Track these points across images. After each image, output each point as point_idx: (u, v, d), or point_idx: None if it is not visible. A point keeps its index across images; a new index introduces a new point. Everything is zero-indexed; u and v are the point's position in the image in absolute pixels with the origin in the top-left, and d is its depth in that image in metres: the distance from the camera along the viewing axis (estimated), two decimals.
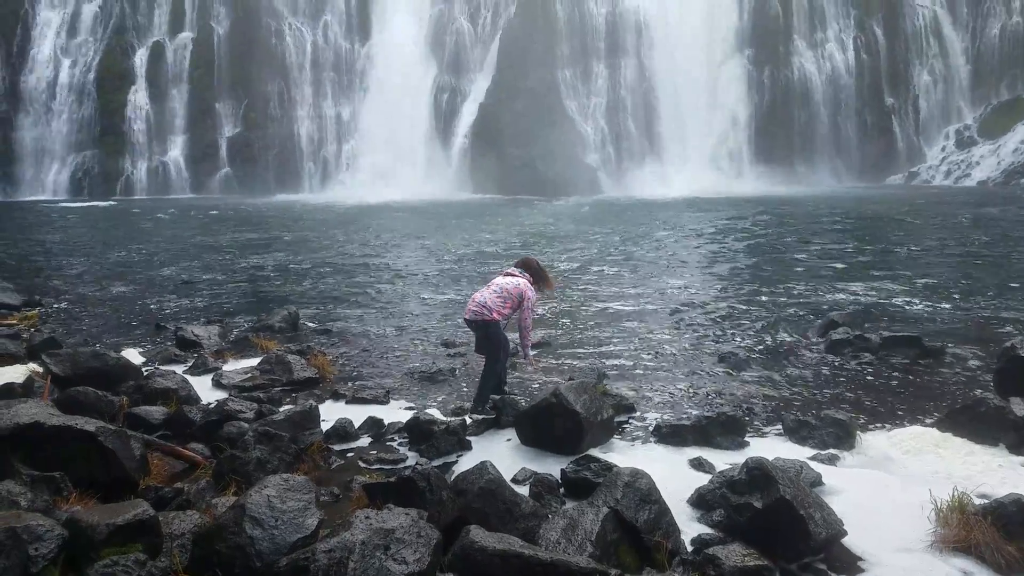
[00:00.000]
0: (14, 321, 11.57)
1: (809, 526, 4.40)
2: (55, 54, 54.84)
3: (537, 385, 8.31)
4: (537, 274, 7.50)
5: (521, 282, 7.32)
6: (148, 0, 55.95)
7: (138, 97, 54.33)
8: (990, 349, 9.27)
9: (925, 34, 55.32)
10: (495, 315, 7.27)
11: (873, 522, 4.80)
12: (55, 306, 13.89)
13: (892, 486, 5.40)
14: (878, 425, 6.97)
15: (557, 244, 22.52)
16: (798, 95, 53.93)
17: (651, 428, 6.89)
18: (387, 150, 51.72)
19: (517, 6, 53.84)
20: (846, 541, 4.58)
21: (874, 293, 13.75)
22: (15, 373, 8.26)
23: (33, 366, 8.59)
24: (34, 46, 54.88)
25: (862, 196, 41.21)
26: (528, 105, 50.79)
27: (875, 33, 54.54)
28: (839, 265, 17.41)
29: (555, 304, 13.13)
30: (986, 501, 4.81)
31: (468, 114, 52.93)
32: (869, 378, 8.47)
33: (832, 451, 6.20)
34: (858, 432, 6.48)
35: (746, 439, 6.56)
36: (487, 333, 7.40)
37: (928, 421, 6.87)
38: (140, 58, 55.00)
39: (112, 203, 46.79)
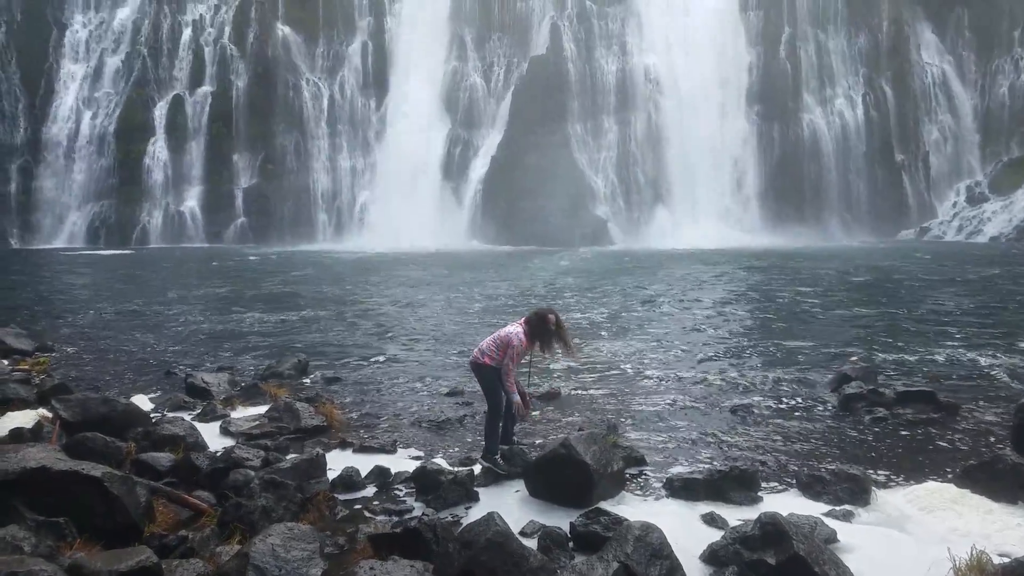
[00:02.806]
0: (26, 366, 11.62)
1: None
2: (77, 106, 56.16)
3: (545, 437, 8.23)
4: (535, 327, 7.33)
5: (514, 330, 7.28)
6: (170, 54, 57.41)
7: (157, 148, 55.39)
8: (1006, 405, 9.13)
9: (933, 91, 55.94)
10: (486, 360, 7.23)
11: None
12: (67, 352, 13.95)
13: (908, 544, 5.28)
14: (894, 481, 6.84)
15: (568, 295, 22.54)
16: (808, 150, 54.39)
17: (663, 481, 6.78)
18: (400, 201, 52.38)
19: (529, 63, 55.01)
20: None
21: (888, 347, 13.64)
22: (25, 418, 8.27)
23: (43, 411, 8.59)
24: (57, 98, 56.29)
25: (874, 251, 41.19)
26: (539, 158, 51.50)
27: (884, 90, 55.18)
28: (852, 319, 17.31)
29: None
30: (1006, 560, 4.70)
31: (480, 166, 53.74)
32: (883, 433, 8.35)
33: (847, 507, 6.08)
34: (873, 488, 6.36)
35: (759, 494, 6.45)
36: (480, 376, 7.38)
37: (945, 478, 6.74)
38: (160, 110, 56.22)
39: (128, 251, 47.29)
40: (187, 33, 57.74)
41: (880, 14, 56.18)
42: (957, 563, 4.59)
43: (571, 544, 5.39)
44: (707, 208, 52.65)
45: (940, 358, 12.58)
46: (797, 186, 53.74)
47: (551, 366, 11.99)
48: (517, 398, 7.20)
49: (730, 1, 56.29)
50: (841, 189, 54.43)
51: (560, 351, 7.74)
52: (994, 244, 47.22)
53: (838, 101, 55.49)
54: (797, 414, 9.24)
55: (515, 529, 5.18)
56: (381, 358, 13.34)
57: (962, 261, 33.31)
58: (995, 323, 16.42)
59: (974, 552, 4.64)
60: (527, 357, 7.50)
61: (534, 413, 9.02)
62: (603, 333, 15.63)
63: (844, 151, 54.56)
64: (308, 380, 11.58)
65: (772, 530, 4.67)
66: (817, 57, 55.95)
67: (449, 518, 6.00)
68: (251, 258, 39.91)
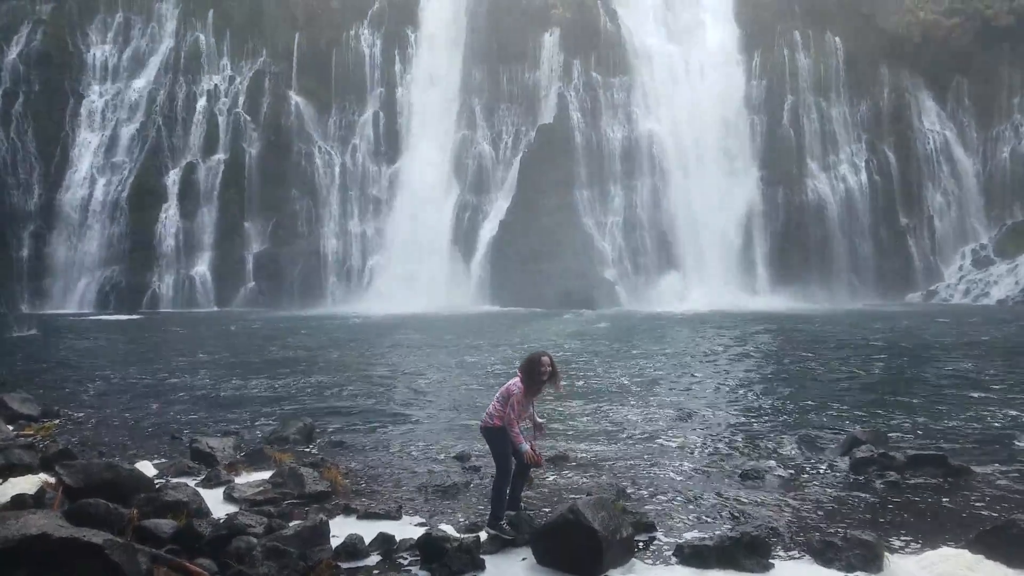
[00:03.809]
0: (31, 431, 11.59)
1: None
2: (91, 173, 57.19)
3: (552, 502, 8.12)
4: (525, 370, 7.31)
5: (512, 381, 7.27)
6: (184, 123, 58.73)
7: (169, 214, 56.18)
8: (1020, 468, 8.99)
9: (936, 157, 56.60)
10: (495, 422, 7.18)
11: None
12: (73, 417, 13.93)
13: None
14: (906, 547, 6.71)
15: (575, 358, 22.48)
16: (813, 215, 54.86)
17: (673, 548, 6.66)
18: (409, 265, 52.82)
19: (536, 131, 56.15)
20: None
21: (898, 410, 13.50)
22: (28, 484, 8.20)
23: (45, 477, 8.53)
24: (72, 166, 57.35)
25: (881, 314, 41.10)
26: (547, 222, 52.12)
27: (887, 155, 55.92)
28: (861, 381, 17.19)
29: (573, 418, 13.00)
30: None
31: (489, 231, 54.30)
32: (895, 498, 8.21)
33: (859, 573, 5.96)
34: (886, 554, 6.24)
35: (771, 560, 6.33)
36: (490, 440, 7.31)
37: (958, 543, 6.60)
38: (173, 177, 57.21)
39: (138, 316, 47.55)
40: (201, 102, 59.17)
41: (881, 82, 57.39)
42: None
43: None
44: (714, 271, 52.92)
45: (951, 421, 12.45)
46: (803, 250, 54.03)
47: (558, 426, 11.91)
48: (526, 447, 7.09)
49: (734, 71, 57.61)
50: (847, 253, 54.69)
51: (552, 390, 7.70)
52: (1001, 306, 47.13)
53: (842, 167, 56.23)
54: (808, 478, 9.11)
55: None
56: (388, 422, 13.28)
57: (971, 324, 33.18)
58: (1007, 385, 16.27)
59: None
60: (531, 408, 7.46)
61: (542, 469, 8.94)
62: (611, 395, 15.54)
63: (849, 215, 55.02)
64: (313, 445, 11.51)
65: None
66: (820, 124, 56.89)
67: None
68: (255, 325, 40.06)
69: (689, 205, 54.21)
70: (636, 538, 6.71)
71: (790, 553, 6.63)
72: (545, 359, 7.27)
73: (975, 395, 14.99)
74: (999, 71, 56.93)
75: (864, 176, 55.47)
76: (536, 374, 7.19)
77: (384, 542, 6.91)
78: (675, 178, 54.85)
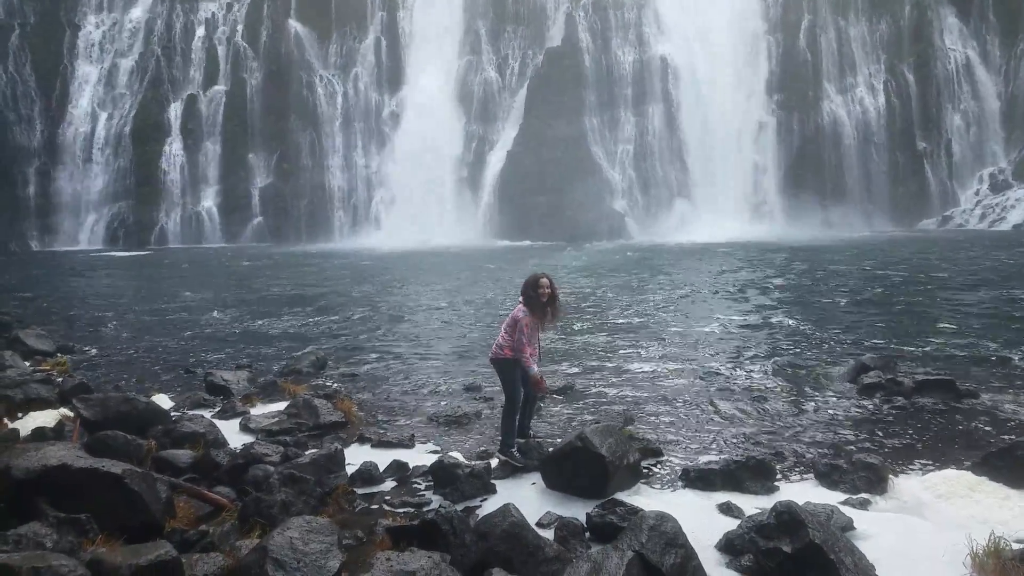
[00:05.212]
0: (48, 367, 11.77)
1: (840, 571, 4.29)
2: (93, 108, 56.65)
3: (561, 430, 8.25)
4: (525, 292, 7.31)
5: (517, 309, 7.29)
6: (183, 54, 57.79)
7: (173, 148, 55.83)
8: None
9: (957, 78, 54.97)
10: (506, 352, 7.22)
11: (906, 568, 4.66)
12: (88, 353, 14.12)
13: (926, 531, 5.25)
14: (911, 469, 6.79)
15: (586, 289, 22.52)
16: (828, 140, 53.83)
17: (679, 472, 6.78)
18: (416, 199, 52.50)
19: (544, 55, 54.77)
20: None
21: (908, 337, 13.53)
22: (46, 417, 8.38)
23: (64, 410, 8.70)
24: (72, 100, 56.75)
25: (896, 240, 40.79)
26: (555, 153, 51.40)
27: (906, 77, 54.43)
28: (871, 309, 17.18)
29: (580, 349, 13.09)
30: (1023, 546, 4.66)
31: (496, 162, 53.67)
32: (901, 421, 8.29)
33: (864, 495, 6.05)
34: (890, 476, 6.33)
35: (776, 483, 6.43)
36: (499, 369, 7.37)
37: (963, 465, 6.68)
38: (175, 110, 56.64)
39: (146, 252, 47.71)
40: (200, 32, 58.06)
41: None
42: (974, 548, 4.57)
43: (587, 535, 5.40)
44: (726, 200, 52.23)
45: (961, 346, 12.46)
46: (817, 176, 53.24)
47: (566, 359, 12.01)
48: (535, 370, 7.14)
49: None
50: (862, 178, 53.85)
51: (554, 318, 7.59)
52: (1018, 231, 46.58)
53: (859, 89, 54.83)
54: (815, 404, 9.19)
55: (532, 520, 5.20)
56: (399, 355, 13.40)
57: (985, 249, 32.92)
58: (1018, 312, 16.22)
59: (992, 538, 4.61)
60: (538, 336, 7.44)
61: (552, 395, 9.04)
62: (618, 327, 15.61)
63: (865, 140, 53.96)
64: (326, 377, 11.66)
65: (788, 519, 4.66)
66: (838, 44, 55.23)
67: (466, 510, 6.03)
68: (263, 261, 40.14)
69: (702, 131, 53.16)
70: (643, 463, 6.81)
71: (795, 476, 6.73)
72: (544, 280, 7.25)
73: (984, 321, 14.98)
74: None
75: (882, 98, 54.12)
76: (536, 295, 7.19)
77: (398, 468, 7.06)
78: (688, 103, 53.65)
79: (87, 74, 57.69)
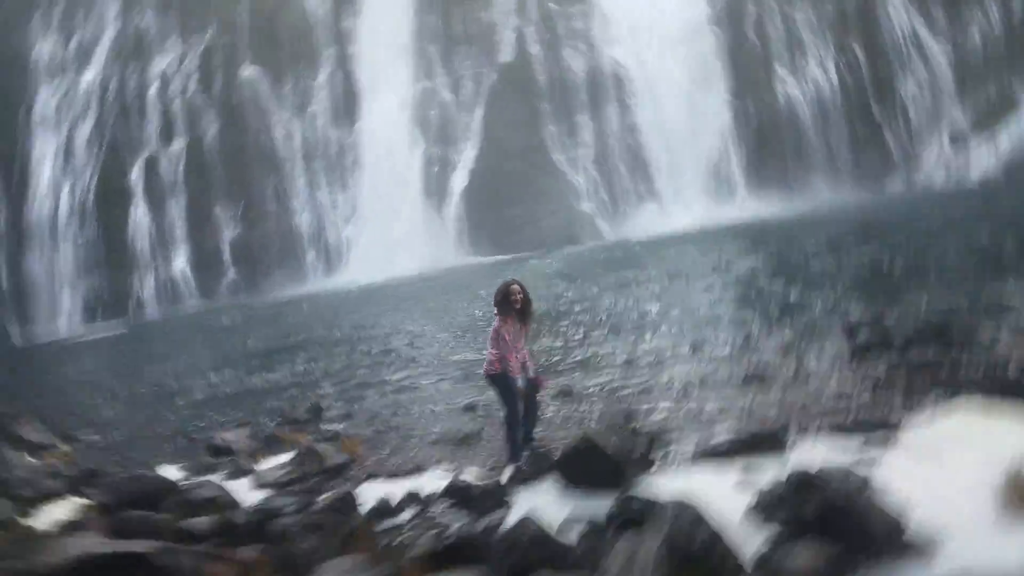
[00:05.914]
0: (53, 459, 11.60)
1: (867, 530, 4.34)
2: (54, 181, 55.95)
3: (565, 433, 8.28)
4: (499, 301, 7.46)
5: (496, 321, 7.41)
6: (140, 112, 57.31)
7: (139, 213, 55.33)
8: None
9: (906, 49, 55.69)
10: (497, 366, 7.32)
11: (932, 511, 4.69)
12: (89, 437, 13.86)
13: (945, 474, 5.28)
14: (919, 416, 6.79)
15: (568, 293, 22.55)
16: (785, 120, 54.44)
17: (689, 456, 6.84)
18: (384, 228, 52.38)
19: (498, 72, 55.15)
20: (907, 534, 4.49)
21: (893, 295, 13.67)
22: (60, 510, 8.25)
23: (76, 499, 8.60)
24: (33, 177, 56.00)
25: (863, 206, 41.24)
26: (517, 164, 51.66)
27: (855, 52, 55.18)
28: (852, 274, 17.37)
29: (573, 349, 13.15)
30: None
31: (460, 180, 53.72)
32: (900, 374, 8.30)
33: (877, 450, 6.10)
34: (899, 428, 6.39)
35: (786, 453, 6.50)
36: (493, 384, 7.46)
37: (969, 404, 6.69)
38: (136, 172, 56.07)
39: (124, 332, 46.43)
40: (154, 88, 57.68)
41: None
42: (997, 480, 4.64)
43: (609, 532, 5.43)
44: (692, 189, 52.72)
45: (948, 298, 12.52)
46: (779, 156, 53.70)
47: (558, 363, 12.07)
48: (520, 383, 7.24)
49: None
50: (823, 151, 54.39)
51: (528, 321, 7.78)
52: (983, 186, 47.23)
53: (809, 68, 55.54)
54: (811, 371, 9.28)
55: (553, 526, 5.23)
56: (391, 387, 13.37)
57: (952, 207, 33.40)
58: (994, 263, 16.25)
59: (1011, 467, 4.67)
60: (523, 343, 7.53)
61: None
62: (603, 325, 15.69)
63: (822, 116, 54.59)
64: (324, 421, 11.62)
65: (804, 486, 4.73)
66: (785, 30, 55.95)
67: (487, 527, 6.03)
68: (241, 316, 39.84)
69: (660, 127, 53.74)
70: (651, 453, 6.84)
71: (804, 443, 6.75)
72: (515, 286, 7.46)
73: (965, 275, 15.15)
74: None
75: (834, 75, 54.89)
76: (509, 300, 7.33)
77: (413, 498, 7.07)
78: (642, 100, 54.25)
79: (45, 147, 56.94)
